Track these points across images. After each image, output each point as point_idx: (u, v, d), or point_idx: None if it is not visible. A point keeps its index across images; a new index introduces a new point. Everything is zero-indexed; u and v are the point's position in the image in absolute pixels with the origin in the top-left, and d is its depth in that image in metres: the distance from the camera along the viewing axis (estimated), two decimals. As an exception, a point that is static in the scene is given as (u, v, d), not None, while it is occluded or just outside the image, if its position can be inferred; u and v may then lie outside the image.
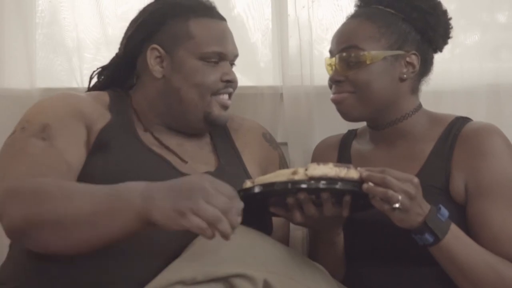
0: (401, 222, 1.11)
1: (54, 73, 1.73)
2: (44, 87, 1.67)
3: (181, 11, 1.33)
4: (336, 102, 1.33)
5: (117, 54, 1.41)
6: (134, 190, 0.99)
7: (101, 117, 1.27)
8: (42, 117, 1.23)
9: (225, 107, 1.33)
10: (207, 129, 1.35)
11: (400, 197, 1.07)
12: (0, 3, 1.68)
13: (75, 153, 1.20)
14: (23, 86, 1.67)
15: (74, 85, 1.69)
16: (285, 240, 1.36)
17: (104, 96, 1.35)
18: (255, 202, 1.14)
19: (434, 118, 1.35)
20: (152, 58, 1.32)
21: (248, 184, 1.14)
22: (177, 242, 1.12)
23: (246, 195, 1.13)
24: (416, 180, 1.10)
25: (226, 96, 1.33)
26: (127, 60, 1.38)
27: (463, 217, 1.23)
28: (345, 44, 1.31)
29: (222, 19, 1.37)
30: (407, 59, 1.31)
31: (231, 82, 1.33)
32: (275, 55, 1.73)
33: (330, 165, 1.09)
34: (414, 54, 1.31)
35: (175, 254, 1.09)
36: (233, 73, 1.34)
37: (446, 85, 1.62)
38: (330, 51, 1.36)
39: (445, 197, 1.24)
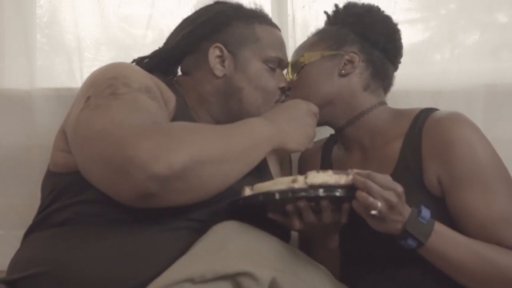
0: (378, 228, 1.12)
1: (54, 73, 1.73)
2: (44, 87, 1.67)
3: (246, 15, 1.39)
4: None
5: (162, 49, 1.42)
6: (263, 126, 1.21)
7: (170, 98, 1.28)
8: (141, 78, 1.20)
9: None
10: None
11: (379, 205, 1.07)
12: (0, 3, 1.68)
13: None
14: (23, 86, 1.67)
15: (74, 85, 1.69)
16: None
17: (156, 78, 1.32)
18: (254, 209, 1.15)
19: (399, 114, 1.37)
20: (213, 56, 1.35)
21: (247, 191, 1.14)
22: (179, 242, 1.13)
23: (246, 203, 1.13)
24: (400, 189, 1.10)
25: None
26: (174, 55, 1.39)
27: (443, 209, 1.23)
28: (292, 58, 1.45)
29: (279, 29, 1.45)
30: (347, 57, 1.37)
31: (285, 90, 1.40)
32: (275, 55, 1.73)
33: (330, 172, 1.09)
34: (354, 52, 1.37)
35: (178, 254, 1.09)
36: (287, 81, 1.41)
37: (444, 85, 1.63)
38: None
39: (422, 192, 1.24)
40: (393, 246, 1.14)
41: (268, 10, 1.72)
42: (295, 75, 1.40)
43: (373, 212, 1.07)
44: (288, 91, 1.42)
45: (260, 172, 1.28)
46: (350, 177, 1.09)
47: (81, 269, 1.10)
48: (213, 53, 1.35)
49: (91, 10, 1.73)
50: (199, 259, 1.05)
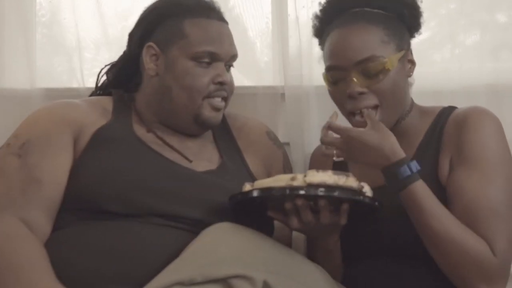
0: (369, 160, 1.18)
1: (54, 73, 1.74)
2: (44, 87, 1.67)
3: (179, 10, 1.34)
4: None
5: (124, 52, 1.43)
6: None
7: (97, 121, 1.29)
8: (26, 132, 1.26)
9: (217, 109, 1.32)
10: (198, 130, 1.35)
11: (334, 152, 1.19)
12: (0, 3, 1.69)
13: (48, 166, 1.22)
14: (23, 86, 1.67)
15: (75, 85, 1.70)
16: (287, 240, 1.36)
17: (107, 101, 1.37)
18: (253, 206, 1.16)
19: (423, 111, 1.35)
20: (148, 56, 1.34)
21: (247, 187, 1.15)
22: (175, 244, 1.13)
23: (244, 198, 1.14)
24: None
25: (218, 99, 1.32)
26: (132, 58, 1.39)
27: None
28: (361, 56, 1.24)
29: (221, 20, 1.36)
30: (408, 57, 1.31)
31: (223, 85, 1.32)
32: (275, 55, 1.73)
33: (329, 172, 1.10)
34: (410, 51, 1.32)
35: (173, 256, 1.09)
36: (226, 75, 1.33)
37: (445, 85, 1.63)
38: (337, 66, 1.27)
39: (435, 184, 1.22)
40: (397, 243, 1.13)
41: (268, 10, 1.73)
42: (374, 82, 1.24)
43: (335, 159, 1.18)
44: (356, 97, 1.24)
45: (238, 171, 1.31)
46: (350, 178, 1.10)
47: (75, 268, 1.11)
48: (147, 52, 1.34)
49: (91, 10, 1.74)
50: (189, 263, 1.05)
